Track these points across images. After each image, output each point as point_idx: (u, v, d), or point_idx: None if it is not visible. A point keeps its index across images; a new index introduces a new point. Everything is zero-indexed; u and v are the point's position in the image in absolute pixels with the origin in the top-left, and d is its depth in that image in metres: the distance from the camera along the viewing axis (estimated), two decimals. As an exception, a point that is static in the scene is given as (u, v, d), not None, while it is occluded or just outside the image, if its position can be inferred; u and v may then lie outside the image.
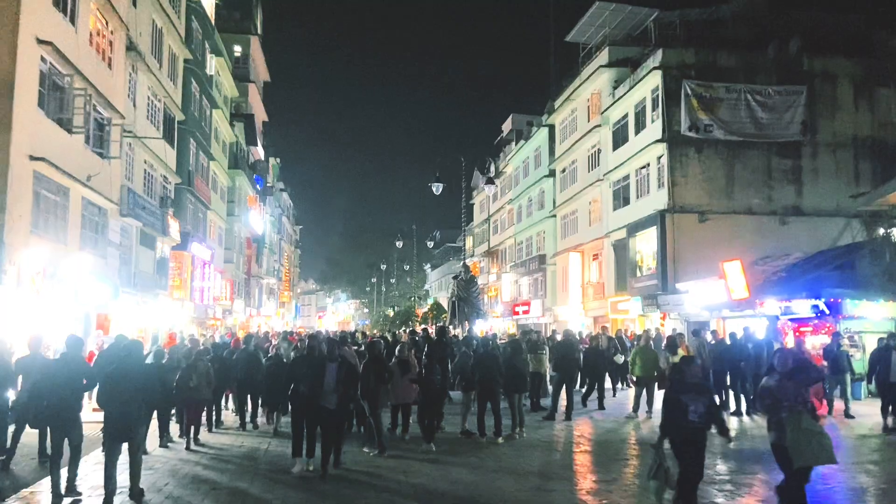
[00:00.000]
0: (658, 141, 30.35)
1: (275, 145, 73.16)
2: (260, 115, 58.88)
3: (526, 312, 48.59)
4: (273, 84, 76.60)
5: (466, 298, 28.94)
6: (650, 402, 15.16)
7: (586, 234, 39.49)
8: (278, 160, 76.33)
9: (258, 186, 57.61)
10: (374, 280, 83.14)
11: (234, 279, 48.69)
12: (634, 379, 15.35)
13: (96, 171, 21.00)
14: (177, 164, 30.99)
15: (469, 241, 74.00)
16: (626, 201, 34.28)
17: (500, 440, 12.25)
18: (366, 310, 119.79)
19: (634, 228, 32.72)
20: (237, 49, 48.92)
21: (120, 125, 22.88)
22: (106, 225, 22.78)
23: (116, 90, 22.88)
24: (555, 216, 45.30)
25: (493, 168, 60.64)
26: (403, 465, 10.46)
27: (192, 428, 12.28)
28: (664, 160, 30.44)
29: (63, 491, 8.32)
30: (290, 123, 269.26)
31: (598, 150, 38.05)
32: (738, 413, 15.27)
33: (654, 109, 31.42)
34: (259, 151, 57.35)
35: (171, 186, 30.71)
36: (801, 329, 20.67)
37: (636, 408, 15.31)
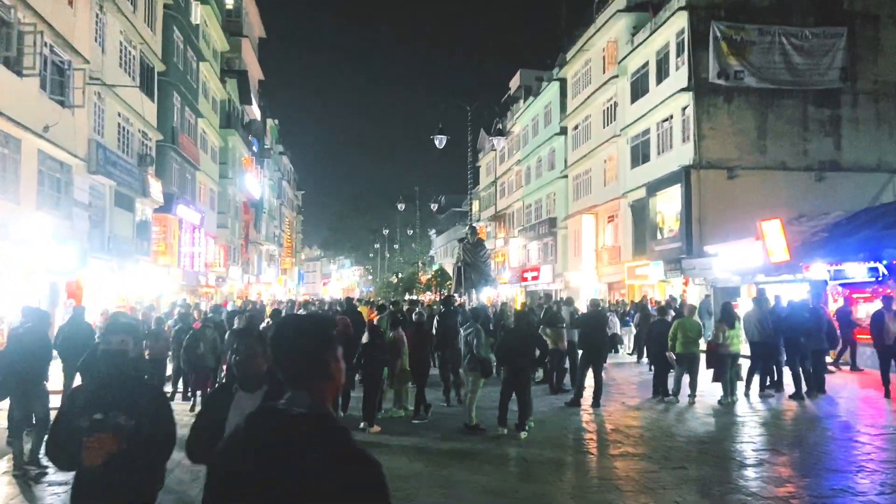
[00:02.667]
0: (683, 90, 27.63)
1: (273, 106, 70.43)
2: (255, 73, 56.02)
3: (535, 279, 46.25)
4: (269, 42, 73.82)
5: (473, 264, 26.57)
6: (693, 385, 12.83)
7: (601, 195, 36.92)
8: (276, 122, 73.54)
9: (254, 148, 55.01)
10: (377, 246, 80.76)
11: (228, 245, 46.38)
12: (674, 356, 12.95)
13: (55, 122, 18.56)
14: (158, 120, 28.44)
15: (475, 205, 71.45)
16: (646, 158, 31.66)
17: (524, 435, 9.94)
18: (370, 276, 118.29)
19: (655, 187, 30.14)
20: (228, 0, 45.94)
21: (84, 70, 20.36)
22: (70, 183, 20.40)
23: (79, 30, 20.30)
24: (566, 177, 42.68)
25: (500, 126, 57.77)
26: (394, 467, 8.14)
27: (199, 392, 12.32)
28: (689, 111, 27.76)
29: (26, 462, 8.10)
30: (289, 85, 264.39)
31: (615, 103, 35.29)
32: (797, 396, 12.88)
33: (678, 55, 28.64)
34: (255, 111, 54.62)
35: (151, 143, 28.20)
36: (855, 295, 18.30)
37: (676, 391, 12.99)
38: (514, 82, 59.16)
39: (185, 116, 33.43)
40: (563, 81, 43.72)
